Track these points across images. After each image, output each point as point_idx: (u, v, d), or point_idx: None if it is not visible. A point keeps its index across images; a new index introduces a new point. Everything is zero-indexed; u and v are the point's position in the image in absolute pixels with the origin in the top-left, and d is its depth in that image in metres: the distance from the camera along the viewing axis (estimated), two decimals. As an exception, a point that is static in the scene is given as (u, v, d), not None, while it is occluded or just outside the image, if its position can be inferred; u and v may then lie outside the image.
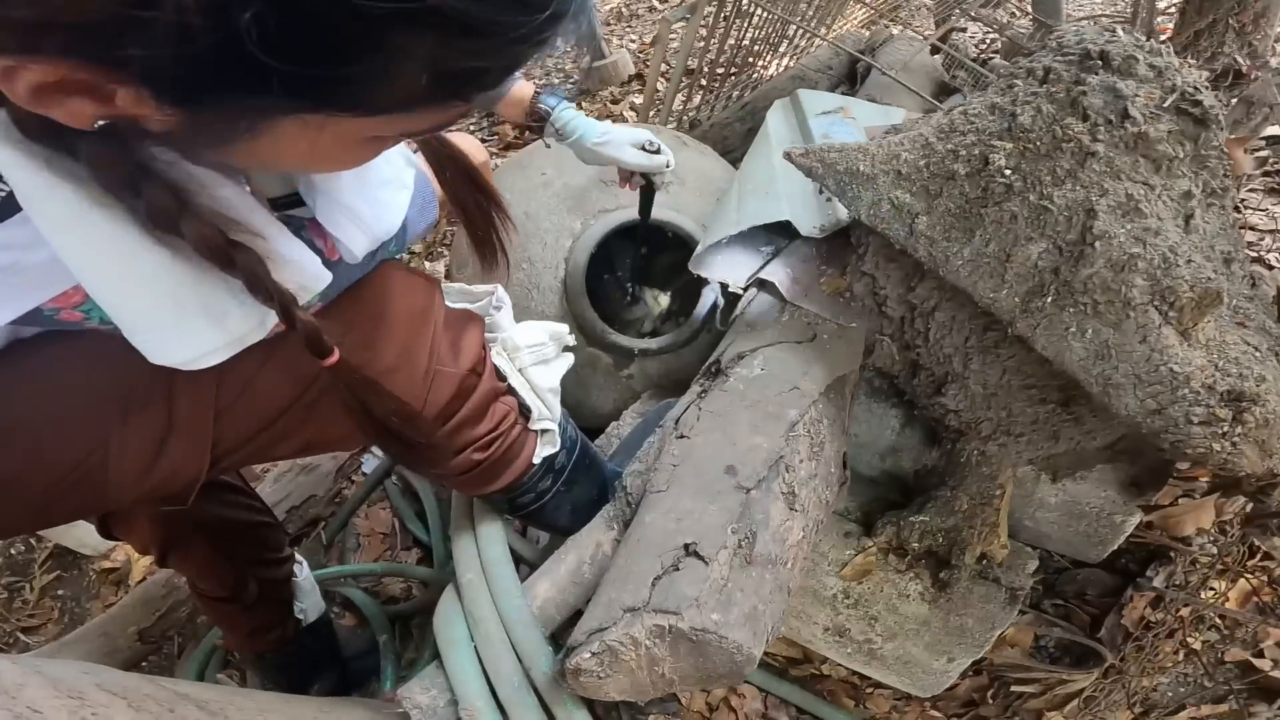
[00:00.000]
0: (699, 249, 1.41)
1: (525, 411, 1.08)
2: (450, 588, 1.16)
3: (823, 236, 1.30)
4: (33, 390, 0.72)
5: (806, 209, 1.33)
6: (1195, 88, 0.92)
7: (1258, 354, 0.90)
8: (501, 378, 1.04)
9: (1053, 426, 1.11)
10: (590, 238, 1.56)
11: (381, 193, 0.84)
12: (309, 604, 1.53)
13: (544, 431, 1.11)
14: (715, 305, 1.52)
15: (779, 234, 1.36)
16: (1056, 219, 0.89)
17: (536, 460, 1.10)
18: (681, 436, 1.11)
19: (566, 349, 1.18)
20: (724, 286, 1.40)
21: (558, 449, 1.14)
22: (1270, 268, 2.02)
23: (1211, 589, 1.35)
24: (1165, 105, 0.90)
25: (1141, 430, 0.88)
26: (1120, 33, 0.99)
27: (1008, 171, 0.92)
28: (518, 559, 1.51)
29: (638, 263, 1.74)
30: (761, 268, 1.34)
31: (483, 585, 1.12)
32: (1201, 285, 0.83)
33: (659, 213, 1.56)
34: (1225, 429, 0.84)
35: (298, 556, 1.53)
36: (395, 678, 1.57)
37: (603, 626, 0.88)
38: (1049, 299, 0.91)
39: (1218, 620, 1.31)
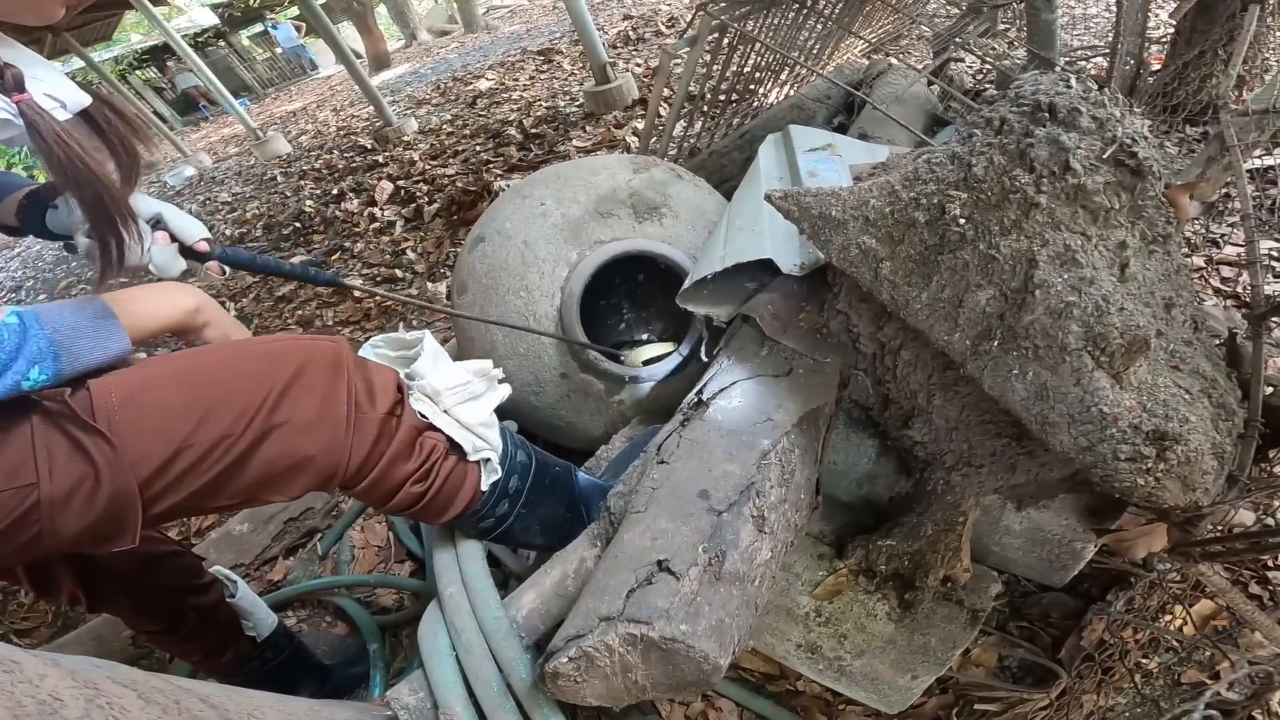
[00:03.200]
0: (686, 283, 1.48)
1: (459, 447, 1.17)
2: (434, 601, 1.24)
3: (802, 274, 1.37)
4: None
5: (789, 247, 1.40)
6: (1133, 139, 0.98)
7: (1187, 396, 0.97)
8: (424, 417, 1.13)
9: (1010, 459, 1.17)
10: (586, 268, 1.63)
11: None
12: (256, 620, 1.60)
13: (485, 461, 1.20)
14: (700, 338, 1.58)
15: (762, 270, 1.43)
16: (1002, 267, 0.97)
17: (484, 488, 1.21)
18: (662, 462, 1.19)
19: (502, 380, 1.27)
20: (709, 320, 1.47)
21: (498, 475, 1.23)
22: (1241, 305, 2.08)
23: (1169, 614, 1.40)
24: (1104, 157, 0.97)
25: (1075, 465, 0.95)
26: (1074, 82, 1.06)
27: (962, 221, 1.00)
28: (507, 573, 1.58)
29: (633, 289, 1.80)
30: (744, 302, 1.42)
31: (464, 598, 1.21)
32: (1131, 332, 0.90)
33: (653, 245, 1.63)
34: (1149, 465, 0.91)
35: (230, 575, 1.60)
36: (384, 685, 1.63)
37: (580, 634, 0.95)
38: (995, 342, 0.98)
39: (1175, 643, 1.36)
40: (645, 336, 1.90)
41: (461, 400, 1.18)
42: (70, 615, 2.29)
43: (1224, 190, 2.49)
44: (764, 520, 1.10)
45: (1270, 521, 1.43)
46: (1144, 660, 1.36)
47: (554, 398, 1.72)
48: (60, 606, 2.32)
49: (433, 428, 1.15)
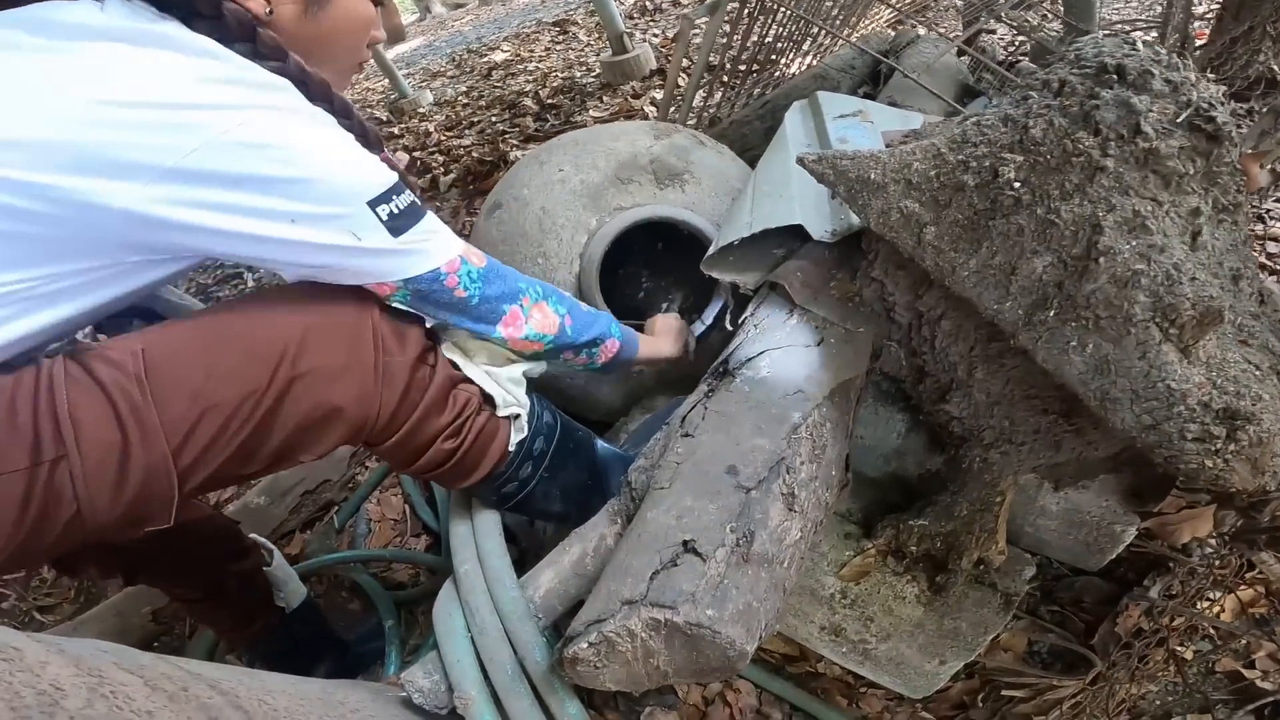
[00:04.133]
0: (711, 249, 1.42)
1: (490, 401, 1.14)
2: (449, 579, 1.20)
3: (834, 241, 1.31)
4: None
5: (819, 213, 1.34)
6: (1210, 103, 0.92)
7: (1258, 373, 0.91)
8: (456, 368, 1.11)
9: (1055, 436, 1.11)
10: (605, 234, 1.58)
11: None
12: (288, 591, 1.58)
13: (514, 418, 1.18)
14: (725, 305, 1.54)
15: (791, 236, 1.37)
16: (1063, 233, 0.90)
17: (511, 447, 1.17)
18: (686, 435, 1.13)
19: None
20: (735, 287, 1.42)
21: (526, 433, 1.20)
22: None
23: (1208, 599, 1.35)
24: (1179, 121, 0.91)
25: (1136, 445, 0.89)
26: (1140, 45, 0.99)
27: (1016, 184, 0.93)
28: (523, 549, 1.54)
29: (653, 258, 1.76)
30: (772, 269, 1.36)
31: (479, 577, 1.16)
32: (1203, 303, 0.83)
33: (675, 211, 1.57)
34: (1219, 446, 0.85)
35: (267, 544, 1.58)
36: (400, 662, 1.60)
37: (600, 618, 0.90)
38: (1052, 312, 0.92)
39: (1211, 630, 1.32)
40: (664, 306, 1.85)
41: (494, 356, 1.17)
42: (93, 591, 2.28)
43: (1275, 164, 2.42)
44: (794, 498, 1.04)
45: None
46: (1179, 648, 1.31)
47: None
48: (84, 583, 2.31)
49: (465, 381, 1.12)
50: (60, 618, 2.23)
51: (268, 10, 0.88)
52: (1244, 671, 1.26)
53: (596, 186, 1.66)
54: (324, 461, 2.18)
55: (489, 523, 1.26)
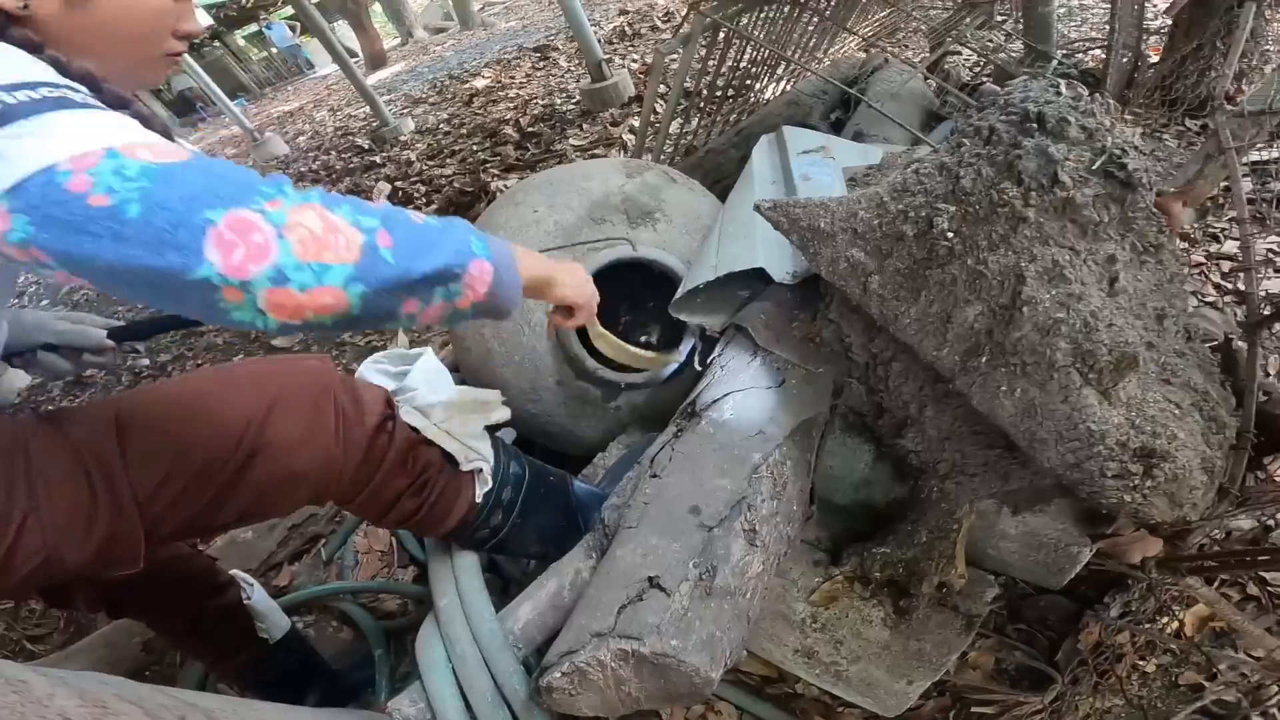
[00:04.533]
0: (679, 292, 1.48)
1: (453, 459, 1.19)
2: (430, 613, 1.26)
3: (795, 283, 1.37)
4: None
5: (781, 255, 1.40)
6: (1122, 149, 0.98)
7: (1177, 411, 0.97)
8: (416, 431, 1.15)
9: (1002, 468, 1.18)
10: (579, 276, 1.61)
11: None
12: (270, 623, 1.62)
13: (478, 472, 1.22)
14: (695, 346, 1.59)
15: (756, 278, 1.43)
16: (991, 283, 0.97)
17: (478, 499, 1.23)
18: (654, 476, 1.20)
19: (505, 403, 1.30)
20: (703, 329, 1.47)
21: (491, 485, 1.25)
22: (1241, 301, 2.07)
23: (1168, 615, 1.40)
24: (1094, 168, 0.97)
25: (1063, 481, 0.95)
26: (1063, 89, 1.05)
27: (950, 235, 1.00)
28: (507, 578, 1.58)
29: (627, 297, 1.80)
30: (738, 311, 1.42)
31: (458, 610, 1.22)
32: (1119, 350, 0.90)
33: (647, 251, 1.63)
34: (1136, 482, 0.91)
35: (246, 579, 1.62)
36: (389, 690, 1.64)
37: (573, 649, 0.97)
38: (984, 359, 0.99)
39: (1171, 646, 1.37)
40: (642, 339, 1.90)
41: (452, 416, 1.20)
42: (82, 622, 2.30)
43: (1224, 184, 2.49)
44: (755, 534, 1.11)
45: (1271, 523, 1.44)
46: (1141, 662, 1.37)
47: (551, 404, 1.72)
48: (73, 614, 2.34)
49: (426, 442, 1.16)
50: (50, 647, 2.26)
51: (21, 5, 0.75)
52: (1206, 684, 1.31)
53: (570, 226, 1.71)
54: (311, 497, 2.22)
55: (468, 559, 1.31)
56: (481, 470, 1.23)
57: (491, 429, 1.29)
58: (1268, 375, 1.72)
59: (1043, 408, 0.95)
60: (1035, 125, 1.00)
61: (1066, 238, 0.97)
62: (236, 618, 1.56)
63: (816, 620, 1.36)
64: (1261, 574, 1.43)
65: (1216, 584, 1.42)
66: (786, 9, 2.98)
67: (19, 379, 5.10)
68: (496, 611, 1.23)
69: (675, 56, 2.58)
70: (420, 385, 1.18)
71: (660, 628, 0.95)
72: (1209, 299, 2.12)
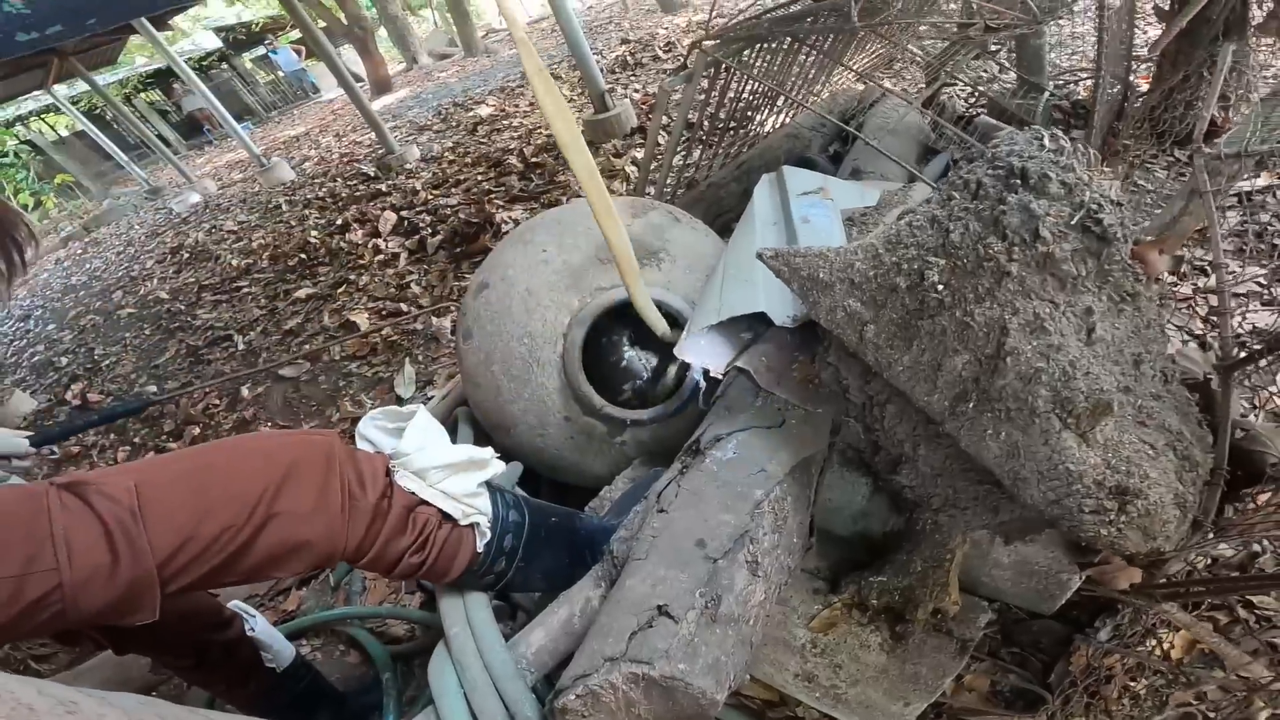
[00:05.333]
0: (684, 335, 1.55)
1: (451, 516, 1.27)
2: (441, 640, 1.32)
3: (795, 326, 1.44)
4: None
5: (783, 299, 1.47)
6: (1099, 204, 1.05)
7: (1151, 451, 1.04)
8: (412, 494, 1.24)
9: (992, 502, 1.24)
10: (587, 315, 1.70)
11: None
12: (275, 651, 1.70)
13: (477, 525, 1.30)
14: (698, 386, 1.66)
15: (758, 320, 1.50)
16: (977, 334, 1.04)
17: (479, 549, 1.31)
18: (661, 510, 1.27)
19: (499, 457, 1.38)
20: (706, 370, 1.54)
21: (491, 535, 1.32)
22: (1235, 334, 2.13)
23: (1156, 637, 1.46)
24: (1072, 223, 1.04)
25: (1045, 516, 1.03)
26: (1046, 142, 1.12)
27: (940, 287, 1.07)
28: (515, 605, 1.65)
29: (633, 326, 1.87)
30: (740, 352, 1.49)
31: (468, 638, 1.28)
32: (1095, 396, 0.97)
33: (653, 292, 1.70)
34: (1112, 517, 0.98)
35: (248, 610, 1.69)
36: (397, 713, 1.70)
37: (586, 673, 1.04)
38: (971, 404, 1.06)
39: (1161, 667, 1.42)
40: (645, 374, 1.96)
41: (447, 476, 1.28)
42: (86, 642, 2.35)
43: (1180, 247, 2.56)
44: (758, 565, 1.17)
45: (1257, 549, 1.50)
46: (1132, 684, 1.41)
47: (559, 439, 1.78)
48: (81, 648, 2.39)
49: (424, 502, 1.25)
50: (56, 667, 2.31)
51: None
52: (1194, 703, 1.37)
53: (578, 267, 1.78)
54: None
55: (477, 591, 1.38)
56: (479, 524, 1.31)
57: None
58: (1253, 411, 1.78)
59: (1025, 450, 1.02)
60: (1019, 181, 1.07)
61: (1047, 290, 1.04)
62: (242, 649, 1.63)
63: (816, 645, 1.41)
64: (1249, 598, 1.50)
65: (1203, 608, 1.48)
66: (786, 45, 3.06)
67: (24, 403, 5.18)
68: (508, 638, 1.30)
69: (679, 90, 2.66)
70: (415, 449, 1.25)
71: (669, 652, 1.02)
72: (1197, 332, 2.19)
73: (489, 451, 1.35)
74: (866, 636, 1.41)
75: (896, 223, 1.21)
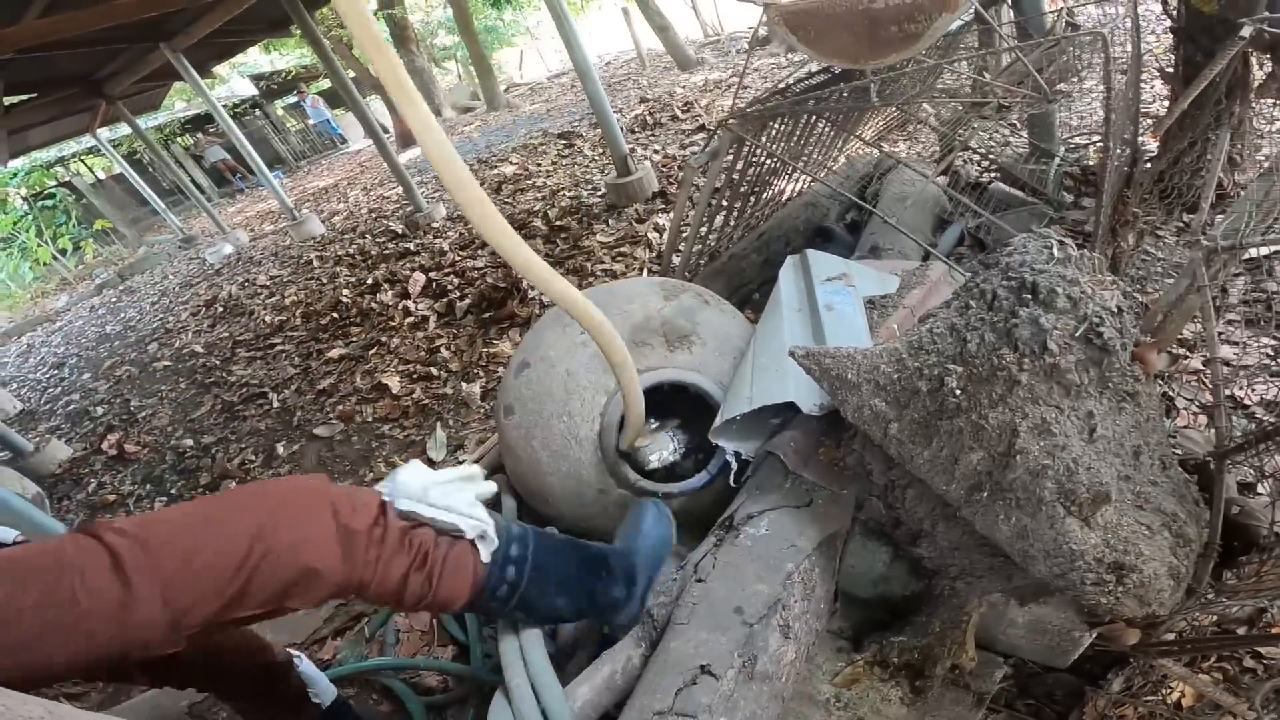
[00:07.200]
0: (717, 421, 1.68)
1: (457, 529, 1.34)
2: (499, 690, 1.42)
3: (821, 414, 1.58)
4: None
5: (810, 388, 1.60)
6: (1100, 318, 1.18)
7: (1147, 531, 1.18)
8: (408, 517, 1.31)
9: (1006, 571, 1.36)
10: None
11: None
12: (320, 689, 1.82)
13: (481, 536, 1.37)
14: (727, 465, 1.76)
15: (786, 407, 1.63)
16: (990, 435, 1.18)
17: (486, 559, 1.37)
18: (700, 580, 1.41)
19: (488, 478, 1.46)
20: (738, 453, 1.68)
21: (496, 545, 1.39)
22: (1243, 406, 2.22)
23: (1166, 688, 1.52)
24: (1076, 336, 1.18)
25: (1051, 587, 1.16)
26: (1056, 252, 1.25)
27: (958, 392, 1.21)
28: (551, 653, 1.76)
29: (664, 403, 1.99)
30: (769, 438, 1.63)
31: (528, 689, 1.38)
32: (1095, 489, 1.12)
33: (684, 375, 1.84)
34: (1111, 588, 1.13)
35: (293, 652, 1.82)
36: (432, 761, 1.79)
37: (637, 725, 1.17)
38: (985, 494, 1.20)
39: (1173, 717, 1.46)
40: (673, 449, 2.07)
41: (443, 494, 1.35)
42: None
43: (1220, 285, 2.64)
44: (789, 629, 1.32)
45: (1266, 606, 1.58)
46: None
47: (594, 509, 1.90)
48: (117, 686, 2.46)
49: (419, 525, 1.32)
50: (90, 705, 2.39)
51: None
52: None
53: (613, 351, 1.90)
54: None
55: (534, 639, 1.47)
56: (485, 534, 1.37)
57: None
58: (1259, 487, 1.87)
59: (1033, 533, 1.16)
60: (1030, 295, 1.20)
61: (1054, 397, 1.17)
62: (293, 685, 1.75)
63: (840, 700, 1.49)
64: (1257, 649, 1.58)
65: (1213, 660, 1.54)
66: (803, 120, 3.22)
67: (60, 451, 5.32)
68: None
69: (705, 168, 2.82)
70: (406, 479, 1.33)
71: (711, 706, 1.16)
72: (1207, 403, 2.25)
73: (477, 468, 1.43)
74: (888, 691, 1.49)
75: (919, 328, 1.35)
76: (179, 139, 24.25)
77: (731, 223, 3.39)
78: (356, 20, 1.07)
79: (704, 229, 3.15)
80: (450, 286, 5.20)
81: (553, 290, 1.37)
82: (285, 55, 27.19)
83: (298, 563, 1.14)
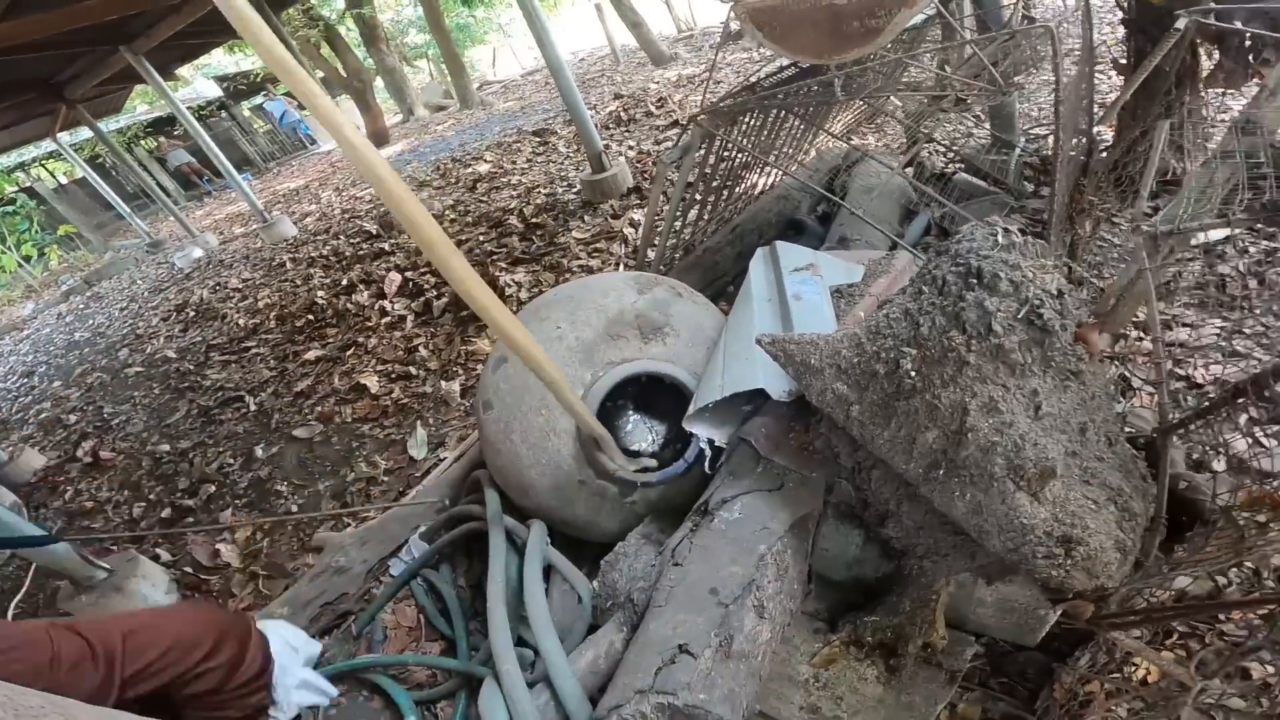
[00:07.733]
0: (690, 409, 1.74)
1: None
2: (488, 679, 1.52)
3: (790, 400, 1.64)
4: None
5: (779, 375, 1.66)
6: (1041, 300, 1.25)
7: (1094, 506, 1.25)
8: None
9: (969, 549, 1.43)
10: (600, 388, 1.87)
11: None
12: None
13: None
14: (703, 453, 1.81)
15: (757, 394, 1.69)
16: (943, 414, 1.25)
17: None
18: (676, 564, 1.47)
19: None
20: (712, 440, 1.73)
21: None
22: (1198, 386, 2.32)
23: (1133, 664, 1.59)
24: (1019, 317, 1.25)
25: (1005, 561, 1.22)
26: (1000, 238, 1.32)
27: (912, 374, 1.27)
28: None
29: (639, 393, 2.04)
30: (742, 424, 1.69)
31: (518, 675, 1.47)
32: (1041, 464, 1.19)
33: (659, 366, 1.89)
34: (1060, 561, 1.19)
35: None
36: (423, 756, 1.83)
37: (619, 704, 1.24)
38: (941, 471, 1.27)
39: (1141, 692, 1.53)
40: (651, 439, 2.12)
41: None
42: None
43: (1174, 269, 2.73)
44: (763, 609, 1.38)
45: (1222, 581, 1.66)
46: (1114, 708, 1.53)
47: (575, 500, 1.95)
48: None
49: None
50: None
51: None
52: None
53: (590, 343, 1.95)
54: (344, 577, 2.42)
55: (542, 618, 1.56)
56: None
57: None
58: (1207, 461, 1.95)
59: (987, 508, 1.23)
60: (976, 280, 1.27)
61: (1000, 376, 1.24)
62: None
63: (818, 680, 1.56)
64: (1219, 625, 1.65)
65: (1175, 636, 1.64)
66: (773, 115, 3.27)
67: (34, 459, 5.30)
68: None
69: (678, 164, 2.87)
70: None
71: (690, 685, 1.22)
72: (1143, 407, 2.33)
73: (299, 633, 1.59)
74: (863, 670, 1.56)
75: (877, 313, 1.41)
76: (142, 142, 23.78)
77: (705, 216, 3.45)
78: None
79: (678, 223, 3.21)
80: (427, 285, 5.23)
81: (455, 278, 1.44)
82: (251, 56, 26.86)
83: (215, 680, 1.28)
